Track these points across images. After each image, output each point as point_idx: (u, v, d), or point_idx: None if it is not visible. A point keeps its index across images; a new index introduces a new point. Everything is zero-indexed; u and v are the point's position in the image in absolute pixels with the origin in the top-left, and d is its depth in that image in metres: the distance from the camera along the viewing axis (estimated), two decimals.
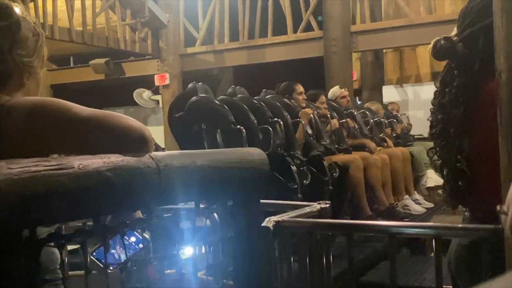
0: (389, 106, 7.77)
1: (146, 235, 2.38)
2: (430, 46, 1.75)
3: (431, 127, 1.81)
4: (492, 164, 1.56)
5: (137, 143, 1.11)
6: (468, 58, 1.69)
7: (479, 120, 1.65)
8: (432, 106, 1.82)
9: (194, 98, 4.30)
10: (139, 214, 1.17)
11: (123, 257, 2.86)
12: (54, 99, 1.20)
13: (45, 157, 0.92)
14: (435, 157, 1.81)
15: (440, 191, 5.73)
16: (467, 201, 1.75)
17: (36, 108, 1.16)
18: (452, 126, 1.69)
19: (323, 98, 5.64)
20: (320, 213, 2.14)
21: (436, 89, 1.81)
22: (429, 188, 6.44)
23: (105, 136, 1.12)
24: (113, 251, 2.78)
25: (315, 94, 5.64)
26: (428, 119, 1.84)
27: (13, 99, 1.20)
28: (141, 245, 2.86)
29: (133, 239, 2.91)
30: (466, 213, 1.79)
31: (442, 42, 1.71)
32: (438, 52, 1.73)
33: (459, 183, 1.70)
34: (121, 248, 2.83)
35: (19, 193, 0.80)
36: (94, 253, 2.34)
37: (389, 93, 9.70)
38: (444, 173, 1.76)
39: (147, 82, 9.34)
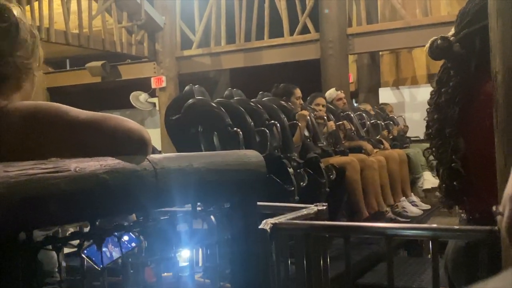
0: (387, 109, 7.76)
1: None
2: (427, 45, 1.76)
3: (427, 127, 1.82)
4: (487, 164, 1.56)
5: (137, 145, 1.11)
6: (464, 58, 1.69)
7: (475, 120, 1.65)
8: (428, 107, 1.82)
9: (190, 100, 4.30)
10: (134, 216, 1.17)
11: (115, 255, 2.87)
12: (51, 103, 1.20)
13: (42, 160, 0.92)
14: (431, 157, 1.82)
15: (437, 193, 5.73)
16: (463, 202, 1.75)
17: (33, 112, 1.16)
18: (448, 126, 1.70)
19: (320, 100, 5.64)
20: (317, 215, 2.14)
21: (432, 89, 1.82)
22: (426, 190, 6.45)
23: (104, 138, 1.12)
24: (104, 249, 2.78)
25: (313, 96, 5.64)
26: (424, 119, 1.84)
27: (9, 103, 1.20)
28: (133, 244, 2.86)
29: (126, 238, 2.91)
30: (462, 215, 1.79)
31: (439, 41, 1.72)
32: (434, 52, 1.74)
33: (454, 183, 1.70)
34: (113, 247, 2.84)
35: (16, 196, 0.80)
36: (85, 251, 2.34)
37: (386, 95, 9.72)
38: (440, 173, 1.76)
39: (143, 84, 9.33)
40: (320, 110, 5.47)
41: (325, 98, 5.83)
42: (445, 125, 1.71)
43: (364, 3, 8.01)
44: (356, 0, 8.34)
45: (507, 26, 1.37)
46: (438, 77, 1.79)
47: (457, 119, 1.67)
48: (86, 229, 1.03)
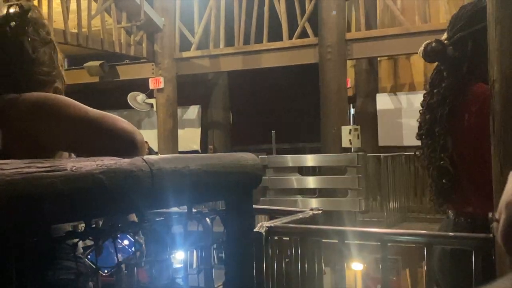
0: None
1: (140, 239, 2.37)
2: (421, 48, 1.83)
3: (419, 128, 1.89)
4: (473, 163, 1.63)
5: (126, 145, 1.13)
6: (457, 61, 1.75)
7: (461, 119, 1.71)
8: (421, 108, 1.89)
9: None
10: (133, 217, 1.17)
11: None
12: (60, 96, 1.25)
13: (37, 157, 0.92)
14: (422, 156, 1.87)
15: None
16: (451, 200, 1.79)
17: (41, 102, 1.21)
18: (437, 126, 1.75)
19: None
20: (312, 219, 2.14)
21: (425, 91, 1.89)
22: None
23: (96, 136, 1.15)
24: (105, 255, 2.76)
25: None
26: (417, 121, 1.91)
27: (22, 95, 1.24)
28: (133, 249, 2.85)
29: (126, 242, 2.91)
30: (450, 215, 1.82)
31: (433, 44, 1.79)
32: (428, 54, 1.81)
33: (444, 181, 1.74)
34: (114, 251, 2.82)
35: (11, 194, 0.80)
36: (89, 256, 2.33)
37: (383, 101, 9.73)
38: (430, 172, 1.80)
39: (141, 85, 9.33)
40: None
41: None
42: (435, 125, 1.76)
43: (364, 9, 8.02)
44: (355, 5, 8.36)
45: (505, 35, 1.37)
46: (431, 79, 1.87)
47: (446, 118, 1.73)
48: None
